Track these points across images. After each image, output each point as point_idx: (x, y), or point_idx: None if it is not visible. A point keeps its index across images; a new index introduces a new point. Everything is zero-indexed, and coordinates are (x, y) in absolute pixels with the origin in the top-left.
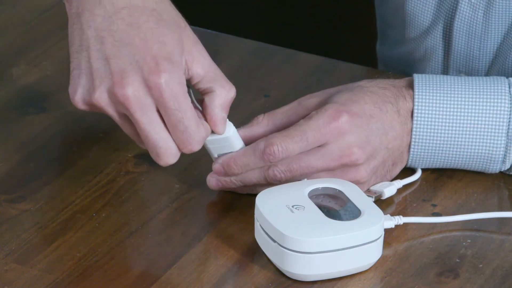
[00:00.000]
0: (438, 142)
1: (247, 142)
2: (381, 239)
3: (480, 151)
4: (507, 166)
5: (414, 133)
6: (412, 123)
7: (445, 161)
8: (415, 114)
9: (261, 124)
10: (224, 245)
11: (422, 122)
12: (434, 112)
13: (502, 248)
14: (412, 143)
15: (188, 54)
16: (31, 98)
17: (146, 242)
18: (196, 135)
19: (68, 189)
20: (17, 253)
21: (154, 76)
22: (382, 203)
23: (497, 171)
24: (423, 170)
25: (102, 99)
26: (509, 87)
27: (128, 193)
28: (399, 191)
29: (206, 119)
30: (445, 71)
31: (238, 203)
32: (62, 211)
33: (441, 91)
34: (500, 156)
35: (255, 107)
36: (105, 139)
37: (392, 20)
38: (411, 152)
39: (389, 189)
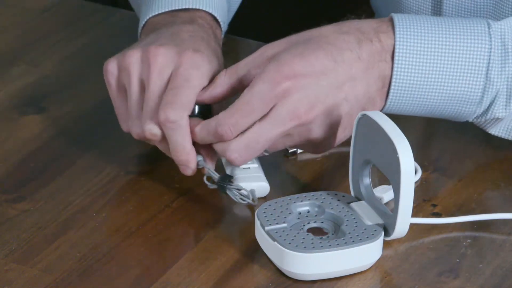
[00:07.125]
0: (417, 83)
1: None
2: (381, 239)
3: (458, 92)
4: (482, 109)
5: (395, 74)
6: (393, 65)
7: (423, 104)
8: (396, 55)
9: (223, 83)
10: (224, 245)
11: (403, 64)
12: (414, 53)
13: (502, 248)
14: (393, 84)
15: None
16: (31, 98)
17: (146, 242)
18: None
19: (68, 189)
20: (17, 253)
21: None
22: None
23: (471, 117)
24: (423, 170)
25: None
26: (489, 27)
27: (128, 193)
28: None
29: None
30: None
31: (238, 203)
32: (62, 211)
33: (422, 32)
34: (477, 97)
35: None
36: (105, 139)
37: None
38: (391, 94)
39: (389, 194)
